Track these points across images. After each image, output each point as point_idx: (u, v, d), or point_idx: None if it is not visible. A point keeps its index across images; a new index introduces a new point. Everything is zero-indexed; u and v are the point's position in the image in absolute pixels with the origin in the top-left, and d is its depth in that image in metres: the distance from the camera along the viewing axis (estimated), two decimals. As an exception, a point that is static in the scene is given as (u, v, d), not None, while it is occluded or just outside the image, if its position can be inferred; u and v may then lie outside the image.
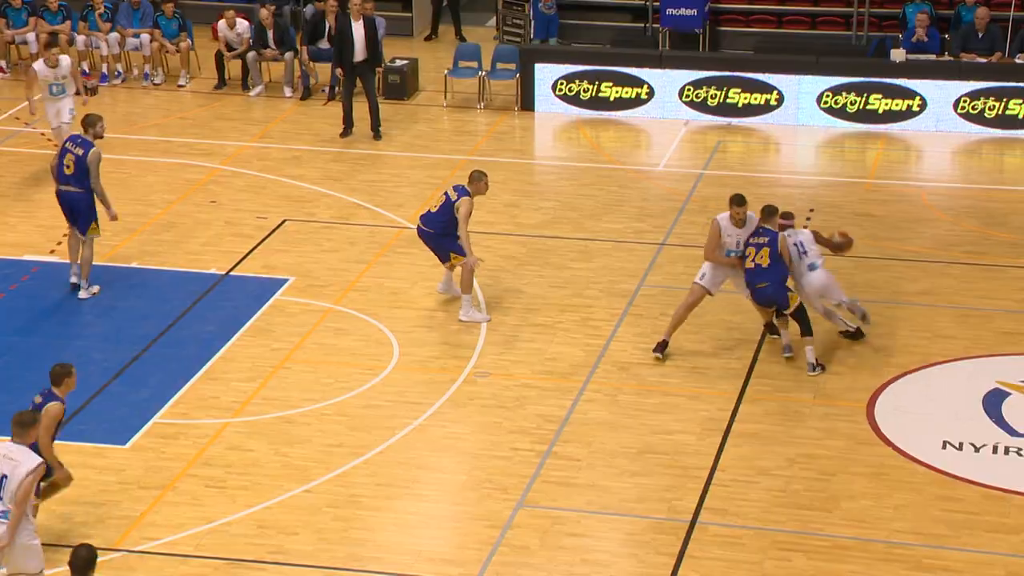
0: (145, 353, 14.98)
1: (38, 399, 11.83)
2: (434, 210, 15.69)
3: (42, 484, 11.47)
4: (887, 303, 16.06)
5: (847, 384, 14.48)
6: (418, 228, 15.85)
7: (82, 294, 16.06)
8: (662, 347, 15.03)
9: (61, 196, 16.08)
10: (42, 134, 20.73)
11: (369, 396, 14.31)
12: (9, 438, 10.83)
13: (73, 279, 16.20)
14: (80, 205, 15.93)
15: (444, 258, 15.73)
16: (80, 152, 15.85)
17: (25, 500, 10.50)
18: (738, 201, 14.78)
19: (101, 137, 16.14)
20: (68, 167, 15.91)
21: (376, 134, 20.73)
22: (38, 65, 18.86)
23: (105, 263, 16.86)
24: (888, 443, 13.51)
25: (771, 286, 14.63)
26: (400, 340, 15.30)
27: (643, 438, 13.61)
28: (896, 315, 15.81)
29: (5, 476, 10.47)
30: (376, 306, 15.99)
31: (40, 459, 10.69)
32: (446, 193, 15.69)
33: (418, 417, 13.96)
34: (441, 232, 15.59)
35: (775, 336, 15.16)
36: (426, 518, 12.58)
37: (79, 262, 16.07)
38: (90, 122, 16.10)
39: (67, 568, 10.03)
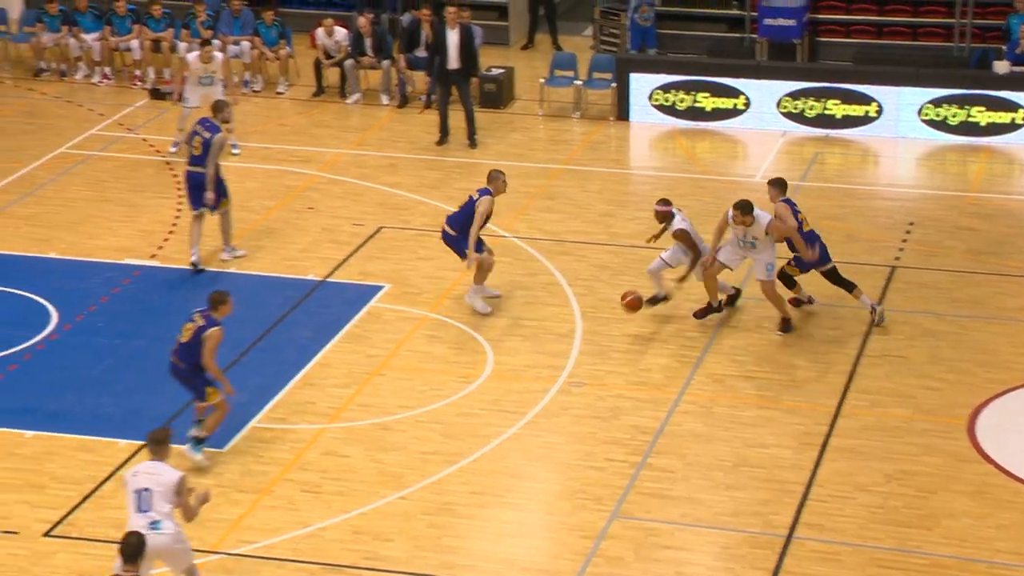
0: (243, 358, 15.11)
1: (200, 320, 13.09)
2: (456, 210, 15.91)
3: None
4: (989, 319, 15.83)
5: (947, 400, 14.27)
6: (442, 231, 15.92)
7: (224, 256, 17.01)
8: (706, 312, 15.62)
9: (187, 176, 16.87)
10: (144, 139, 21.02)
11: (463, 404, 14.35)
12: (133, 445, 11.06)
13: (193, 258, 16.87)
14: (201, 186, 16.70)
15: (464, 257, 15.86)
16: (208, 135, 16.66)
17: (188, 499, 10.85)
18: (744, 210, 15.26)
19: (228, 122, 17.13)
20: (196, 148, 16.74)
21: (472, 142, 20.79)
22: (191, 56, 19.80)
23: (205, 268, 17.06)
24: (990, 461, 13.30)
25: (820, 247, 15.54)
26: (494, 348, 15.32)
27: (738, 451, 13.51)
28: (998, 331, 15.57)
29: (148, 489, 10.74)
30: (471, 314, 16.02)
31: (181, 473, 10.94)
32: (470, 195, 15.86)
33: (512, 426, 13.96)
34: (462, 233, 15.77)
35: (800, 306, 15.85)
36: (519, 527, 12.58)
37: (200, 240, 16.96)
38: (219, 107, 17.04)
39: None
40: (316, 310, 16.13)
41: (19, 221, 18.29)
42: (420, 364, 15.07)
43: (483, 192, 15.81)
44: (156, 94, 22.45)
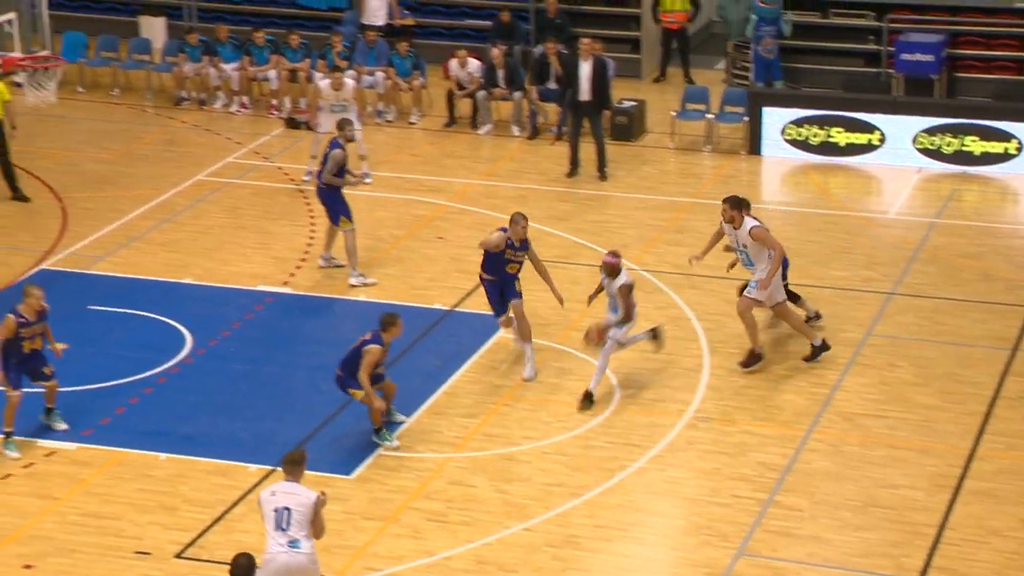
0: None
1: (368, 335, 13.82)
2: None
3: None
4: None
5: (1085, 444, 13.93)
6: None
7: (353, 281, 17.44)
8: (752, 361, 15.37)
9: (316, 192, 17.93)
10: (279, 168, 21.37)
11: (589, 437, 14.34)
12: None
13: (321, 262, 17.88)
14: (324, 200, 17.56)
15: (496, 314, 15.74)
16: (328, 151, 17.36)
17: (322, 527, 11.05)
18: (733, 204, 15.35)
19: (352, 139, 17.81)
20: (321, 165, 17.55)
21: (602, 175, 20.81)
22: (323, 84, 20.15)
23: (335, 296, 17.29)
24: None
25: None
26: (621, 382, 15.29)
27: (868, 491, 13.32)
28: None
29: (288, 508, 10.90)
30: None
31: (316, 493, 11.10)
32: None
33: (638, 460, 13.92)
34: (496, 275, 15.64)
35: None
36: (644, 562, 12.52)
37: (332, 252, 17.83)
38: (342, 125, 17.79)
39: None
40: (443, 339, 16.25)
41: (157, 247, 18.70)
42: (546, 395, 15.09)
43: (501, 229, 15.52)
44: (292, 123, 22.83)
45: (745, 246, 15.31)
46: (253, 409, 14.81)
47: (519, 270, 15.57)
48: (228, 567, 10.29)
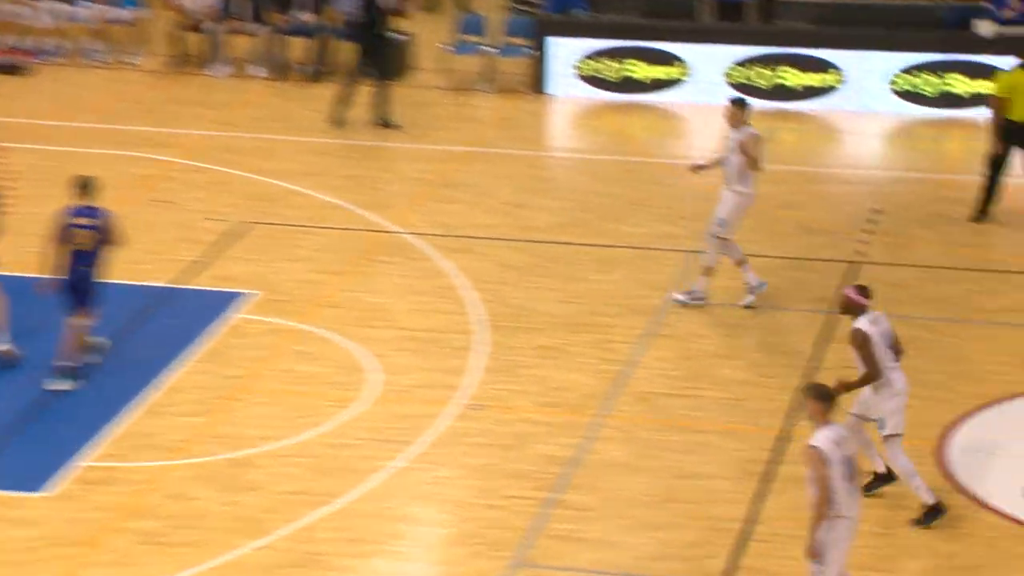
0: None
1: None
2: None
3: None
4: (963, 322, 15.89)
5: (913, 419, 14.07)
6: None
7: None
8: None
9: None
10: None
11: (340, 433, 14.23)
12: None
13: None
14: None
15: None
16: None
17: None
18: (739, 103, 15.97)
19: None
20: None
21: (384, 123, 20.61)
22: None
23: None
24: (962, 490, 13.26)
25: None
26: (377, 366, 15.16)
27: (666, 483, 13.44)
28: (974, 335, 15.62)
29: None
30: (351, 325, 15.94)
31: None
32: None
33: (395, 458, 13.81)
34: None
35: None
36: (403, 580, 12.48)
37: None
38: None
39: None
40: (162, 322, 16.02)
41: None
42: (288, 386, 14.94)
43: None
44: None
45: None
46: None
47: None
48: None
